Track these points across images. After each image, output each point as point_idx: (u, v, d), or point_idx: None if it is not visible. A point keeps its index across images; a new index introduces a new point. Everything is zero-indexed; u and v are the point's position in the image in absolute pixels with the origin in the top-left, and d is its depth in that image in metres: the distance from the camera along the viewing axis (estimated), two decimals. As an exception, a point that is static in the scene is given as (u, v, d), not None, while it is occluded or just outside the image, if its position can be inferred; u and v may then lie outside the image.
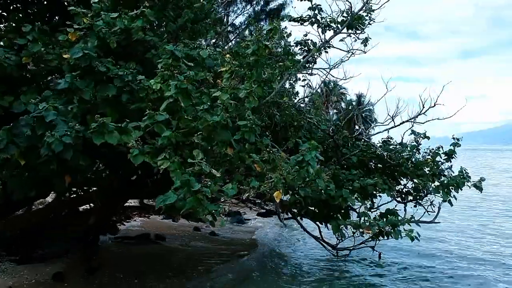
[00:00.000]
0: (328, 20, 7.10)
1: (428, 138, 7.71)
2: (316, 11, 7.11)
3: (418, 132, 7.74)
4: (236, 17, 25.27)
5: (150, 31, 6.41)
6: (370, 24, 7.09)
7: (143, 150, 4.30)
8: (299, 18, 7.31)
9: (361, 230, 6.65)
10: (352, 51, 7.21)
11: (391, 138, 7.87)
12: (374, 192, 7.15)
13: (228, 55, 6.36)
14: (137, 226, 10.38)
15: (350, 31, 7.09)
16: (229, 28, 24.49)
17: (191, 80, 4.36)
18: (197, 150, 4.24)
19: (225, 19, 24.05)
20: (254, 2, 25.44)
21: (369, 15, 7.04)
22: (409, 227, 6.60)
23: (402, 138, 7.97)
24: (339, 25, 7.07)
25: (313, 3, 7.12)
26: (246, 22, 24.59)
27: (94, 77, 4.94)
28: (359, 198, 6.98)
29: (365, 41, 7.19)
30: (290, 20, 7.45)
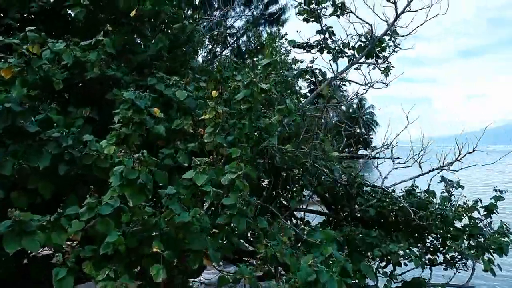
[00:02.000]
0: (341, 45, 5.62)
1: (463, 187, 6.30)
2: (327, 35, 5.64)
3: (450, 180, 6.32)
4: (234, 22, 23.72)
5: (113, 62, 4.98)
6: (396, 52, 5.64)
7: (77, 258, 2.88)
8: (305, 44, 5.82)
9: (383, 311, 5.35)
10: (370, 84, 5.74)
11: (417, 186, 6.42)
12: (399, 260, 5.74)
13: (214, 92, 4.94)
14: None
15: (370, 60, 5.63)
16: (228, 31, 22.96)
17: (150, 163, 2.90)
18: (158, 266, 2.82)
19: (223, 23, 22.56)
20: (253, 6, 23.94)
21: (394, 39, 5.59)
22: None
23: (429, 184, 6.56)
24: (355, 52, 5.61)
25: (323, 25, 5.63)
26: (244, 28, 23.10)
27: (20, 140, 3.52)
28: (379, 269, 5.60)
29: (386, 70, 5.71)
30: (294, 47, 5.97)
